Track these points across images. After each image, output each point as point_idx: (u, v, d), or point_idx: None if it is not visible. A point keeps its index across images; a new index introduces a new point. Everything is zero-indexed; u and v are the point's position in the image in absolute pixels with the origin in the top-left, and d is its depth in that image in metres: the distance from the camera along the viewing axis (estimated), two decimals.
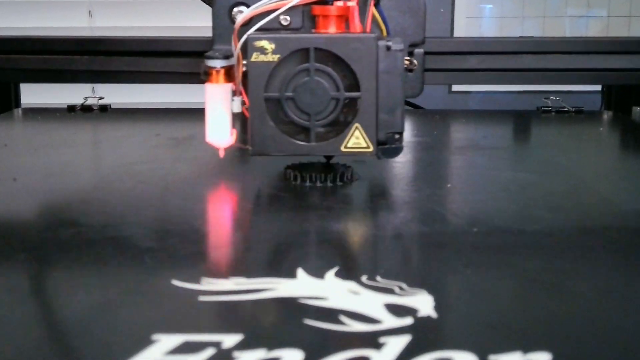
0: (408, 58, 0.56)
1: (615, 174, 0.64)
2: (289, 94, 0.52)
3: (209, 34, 0.58)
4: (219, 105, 0.53)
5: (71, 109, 0.92)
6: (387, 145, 0.53)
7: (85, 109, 0.92)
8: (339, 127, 0.53)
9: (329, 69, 0.52)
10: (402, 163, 0.64)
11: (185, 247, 0.43)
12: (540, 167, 0.64)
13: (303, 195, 0.54)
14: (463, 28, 1.41)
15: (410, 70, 0.57)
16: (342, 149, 0.53)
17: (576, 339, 0.31)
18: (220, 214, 0.51)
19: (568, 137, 0.82)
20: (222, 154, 0.54)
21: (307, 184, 0.55)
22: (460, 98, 1.41)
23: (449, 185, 0.58)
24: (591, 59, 0.86)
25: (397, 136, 0.53)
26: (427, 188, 0.56)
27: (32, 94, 1.02)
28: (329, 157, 0.57)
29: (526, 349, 0.30)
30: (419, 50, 0.58)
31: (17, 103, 0.96)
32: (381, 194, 0.55)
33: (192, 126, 0.81)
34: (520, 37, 0.97)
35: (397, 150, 0.54)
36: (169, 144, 0.72)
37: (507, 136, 0.81)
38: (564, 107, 0.92)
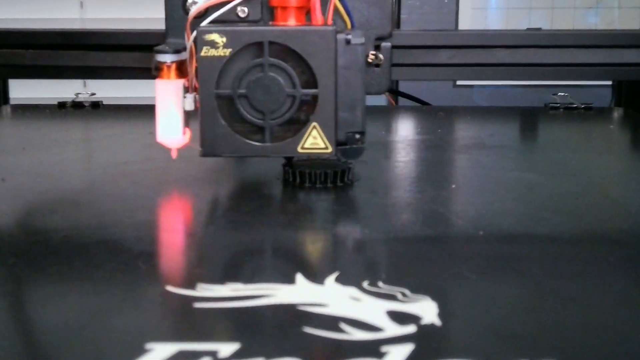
0: (374, 52, 0.55)
1: (626, 174, 0.64)
2: (242, 90, 0.51)
3: None
4: (169, 103, 0.52)
5: (62, 105, 0.92)
6: (347, 146, 0.52)
7: (77, 105, 0.92)
8: (296, 127, 0.52)
9: (285, 64, 0.51)
10: (404, 163, 0.64)
11: (180, 252, 0.43)
12: (548, 167, 0.64)
13: (303, 197, 0.54)
14: (468, 20, 1.41)
15: (377, 65, 0.56)
16: (299, 149, 0.52)
17: (584, 348, 0.32)
18: (217, 216, 0.51)
19: (577, 135, 0.82)
20: (174, 154, 0.54)
21: (307, 184, 0.55)
22: (465, 92, 1.41)
23: (453, 186, 0.58)
24: (602, 53, 0.86)
25: (357, 136, 0.52)
26: (431, 189, 0.56)
27: (22, 89, 1.02)
28: (288, 158, 0.56)
29: (533, 357, 0.30)
30: (386, 44, 0.57)
31: (6, 99, 0.96)
32: (383, 195, 0.55)
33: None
34: (528, 29, 0.97)
35: (358, 152, 0.53)
36: None
37: (514, 134, 0.81)
38: (573, 103, 0.92)
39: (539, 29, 0.92)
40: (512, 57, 0.86)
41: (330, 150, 0.52)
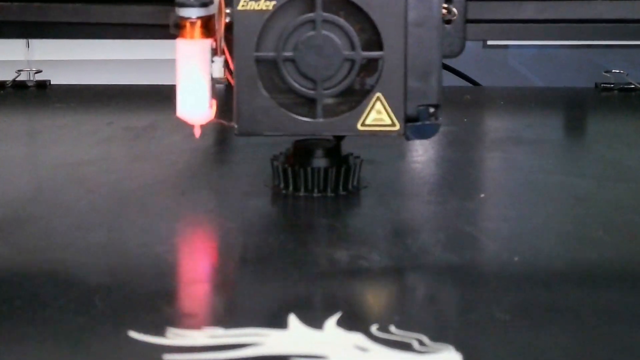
0: (445, 5, 0.54)
1: None
2: (288, 53, 0.51)
3: None
4: (194, 68, 0.51)
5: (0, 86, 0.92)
6: (419, 122, 0.52)
7: (18, 85, 0.92)
8: (355, 98, 0.52)
9: (342, 21, 0.51)
10: (422, 164, 0.64)
11: (146, 285, 0.43)
12: (600, 169, 0.64)
13: (296, 210, 0.54)
14: None
15: (448, 22, 0.54)
16: (359, 126, 0.52)
17: None
18: (191, 238, 0.51)
19: (636, 125, 0.82)
20: (197, 132, 0.53)
21: (302, 193, 0.55)
22: (498, 53, 1.41)
23: (482, 196, 0.58)
24: None
25: (431, 110, 0.52)
26: (455, 199, 0.55)
27: None
28: (339, 138, 0.56)
29: None
30: None
31: None
32: (395, 208, 0.54)
33: (154, 112, 0.81)
34: None
35: (431, 129, 0.53)
36: (125, 137, 0.72)
37: (557, 124, 0.81)
38: (630, 83, 0.92)
39: None
40: (558, 12, 0.85)
41: (397, 127, 0.52)
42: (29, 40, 1.24)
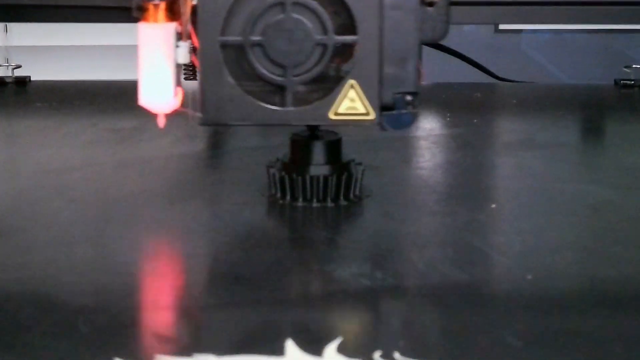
0: None
1: None
2: (256, 38, 0.51)
3: None
4: (157, 54, 0.51)
5: None
6: (395, 111, 0.52)
7: None
8: (327, 85, 0.52)
9: (314, 3, 0.51)
10: (428, 170, 0.64)
11: (133, 307, 0.43)
12: (621, 176, 0.63)
13: (293, 222, 0.53)
14: None
15: (431, 4, 0.55)
16: (331, 115, 0.52)
17: None
18: (181, 254, 0.51)
19: None
20: (162, 122, 0.53)
21: (300, 203, 0.55)
22: (510, 39, 1.41)
23: (493, 206, 0.58)
24: None
25: (409, 98, 0.52)
26: (464, 210, 0.55)
27: None
28: (312, 128, 0.56)
29: None
30: None
31: None
32: (400, 220, 0.54)
33: (141, 112, 0.80)
34: None
35: (408, 119, 0.53)
36: (111, 139, 0.72)
37: (574, 126, 0.81)
38: None
39: None
40: None
41: (372, 116, 0.52)
42: (7, 25, 1.25)
